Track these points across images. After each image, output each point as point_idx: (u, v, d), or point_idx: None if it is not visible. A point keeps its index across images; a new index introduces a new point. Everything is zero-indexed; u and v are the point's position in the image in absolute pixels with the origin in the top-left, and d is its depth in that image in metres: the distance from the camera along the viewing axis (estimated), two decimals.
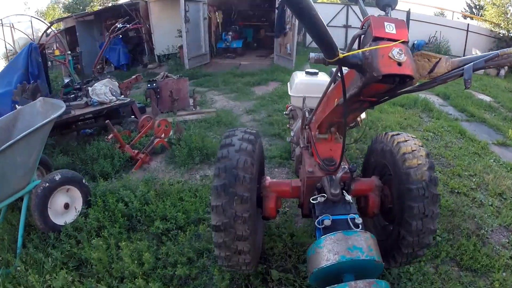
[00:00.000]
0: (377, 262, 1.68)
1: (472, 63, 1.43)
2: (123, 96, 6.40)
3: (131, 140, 5.23)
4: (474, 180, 4.43)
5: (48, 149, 5.08)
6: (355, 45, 1.56)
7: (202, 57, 12.46)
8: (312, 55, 1.50)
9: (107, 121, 4.78)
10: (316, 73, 3.98)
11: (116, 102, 6.22)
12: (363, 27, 1.53)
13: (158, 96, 6.92)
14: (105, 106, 5.96)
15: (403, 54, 1.37)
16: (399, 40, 1.41)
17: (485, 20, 19.09)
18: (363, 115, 3.30)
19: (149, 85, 6.72)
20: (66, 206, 3.35)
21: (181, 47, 11.69)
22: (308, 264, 1.86)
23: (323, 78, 3.88)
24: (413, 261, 2.64)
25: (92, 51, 14.26)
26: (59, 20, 16.52)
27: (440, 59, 1.57)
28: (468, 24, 16.64)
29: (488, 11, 19.46)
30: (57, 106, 3.40)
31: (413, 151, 2.27)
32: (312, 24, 1.22)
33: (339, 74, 1.68)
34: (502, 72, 14.28)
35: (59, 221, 3.25)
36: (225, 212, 2.07)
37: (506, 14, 17.94)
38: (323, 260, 1.68)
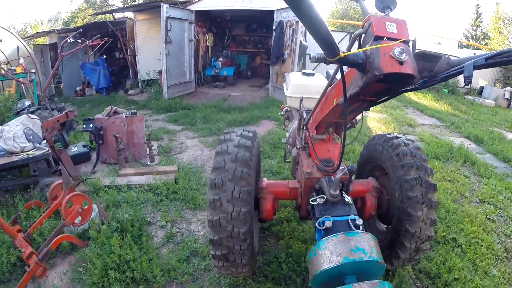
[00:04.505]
0: (379, 263, 1.55)
1: (472, 60, 1.26)
2: (45, 141, 4.07)
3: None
4: None
5: None
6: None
7: (186, 85, 9.96)
8: (313, 54, 1.36)
9: None
10: (312, 74, 3.63)
11: (29, 151, 3.93)
12: (364, 26, 1.38)
13: (101, 141, 4.54)
14: (13, 159, 3.72)
15: (404, 53, 1.25)
16: (400, 40, 1.29)
17: (491, 50, 17.33)
18: (358, 116, 2.68)
19: (84, 126, 4.34)
20: None
21: (160, 72, 9.36)
22: (309, 267, 1.68)
23: (319, 79, 3.53)
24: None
25: (74, 70, 12.07)
26: (39, 34, 14.27)
27: (440, 58, 1.40)
28: (475, 53, 14.67)
29: (493, 39, 17.75)
30: None
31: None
32: (313, 23, 1.14)
33: (338, 74, 1.58)
34: None
35: None
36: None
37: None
38: (325, 262, 1.54)
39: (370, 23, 1.34)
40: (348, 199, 1.95)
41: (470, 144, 6.57)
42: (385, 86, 1.45)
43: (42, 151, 3.76)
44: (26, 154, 3.76)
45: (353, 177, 2.39)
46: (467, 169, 5.14)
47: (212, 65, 11.48)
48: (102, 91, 11.69)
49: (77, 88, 12.16)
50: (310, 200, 2.03)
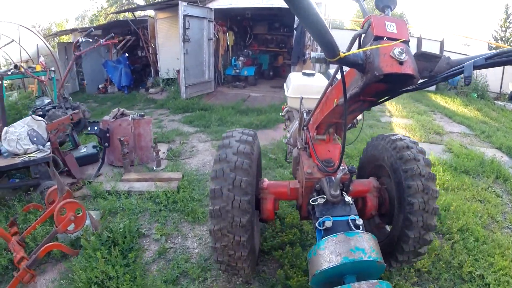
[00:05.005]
0: (379, 263, 1.54)
1: (472, 60, 1.24)
2: (49, 143, 3.98)
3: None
4: None
5: None
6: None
7: (205, 85, 9.72)
8: (313, 54, 1.36)
9: None
10: (313, 74, 3.58)
11: (32, 154, 3.85)
12: (364, 26, 1.37)
13: (107, 144, 4.41)
14: (15, 161, 3.66)
15: (404, 53, 1.22)
16: (400, 40, 1.26)
17: None
18: (359, 116, 2.57)
19: (89, 129, 4.23)
20: None
21: (179, 71, 9.22)
22: (309, 267, 1.69)
23: (320, 79, 3.46)
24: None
25: (97, 68, 12.22)
26: (62, 32, 14.56)
27: (440, 58, 1.38)
28: None
29: None
30: None
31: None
32: (312, 23, 1.11)
33: (338, 74, 1.58)
34: None
35: None
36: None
37: None
38: (325, 262, 1.54)
39: (369, 23, 1.32)
40: (348, 199, 1.95)
41: (502, 157, 5.95)
42: (385, 86, 1.43)
43: (44, 154, 3.64)
44: (28, 156, 3.66)
45: (354, 177, 2.35)
46: (499, 187, 4.61)
47: (233, 64, 11.24)
48: (124, 89, 11.74)
49: (100, 86, 12.29)
50: (310, 200, 2.03)
